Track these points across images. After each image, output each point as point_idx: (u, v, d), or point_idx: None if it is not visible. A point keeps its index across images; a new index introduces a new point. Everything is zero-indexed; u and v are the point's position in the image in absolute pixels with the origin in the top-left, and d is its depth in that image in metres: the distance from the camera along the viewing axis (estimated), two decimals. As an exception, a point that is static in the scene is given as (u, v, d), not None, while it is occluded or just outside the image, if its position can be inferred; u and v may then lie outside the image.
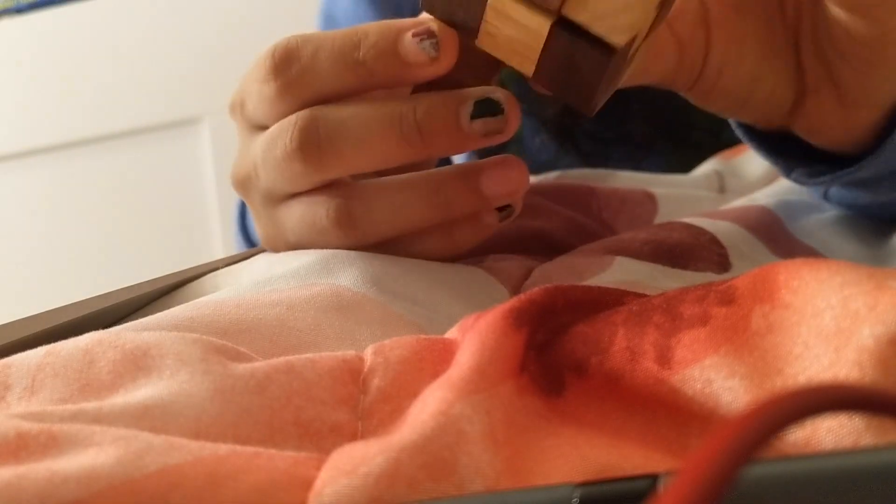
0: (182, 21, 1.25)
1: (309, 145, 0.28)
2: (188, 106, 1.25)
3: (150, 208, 1.27)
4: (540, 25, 0.24)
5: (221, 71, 1.21)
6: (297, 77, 0.29)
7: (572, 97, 0.26)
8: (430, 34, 0.27)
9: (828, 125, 0.31)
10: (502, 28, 0.26)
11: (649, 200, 0.42)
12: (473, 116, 0.28)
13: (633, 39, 0.24)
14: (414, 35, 0.27)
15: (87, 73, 1.26)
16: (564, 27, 0.24)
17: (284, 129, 0.29)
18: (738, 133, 0.35)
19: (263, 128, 0.31)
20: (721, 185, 0.47)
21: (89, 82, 1.26)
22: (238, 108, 0.32)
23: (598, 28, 0.24)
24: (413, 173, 0.30)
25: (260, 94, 0.30)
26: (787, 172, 0.34)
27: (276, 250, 0.33)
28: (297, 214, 0.30)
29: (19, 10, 1.28)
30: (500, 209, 0.31)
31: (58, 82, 1.26)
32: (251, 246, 0.49)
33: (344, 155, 0.28)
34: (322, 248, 0.30)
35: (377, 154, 0.28)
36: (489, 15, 0.25)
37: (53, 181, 1.28)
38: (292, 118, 0.29)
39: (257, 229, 0.34)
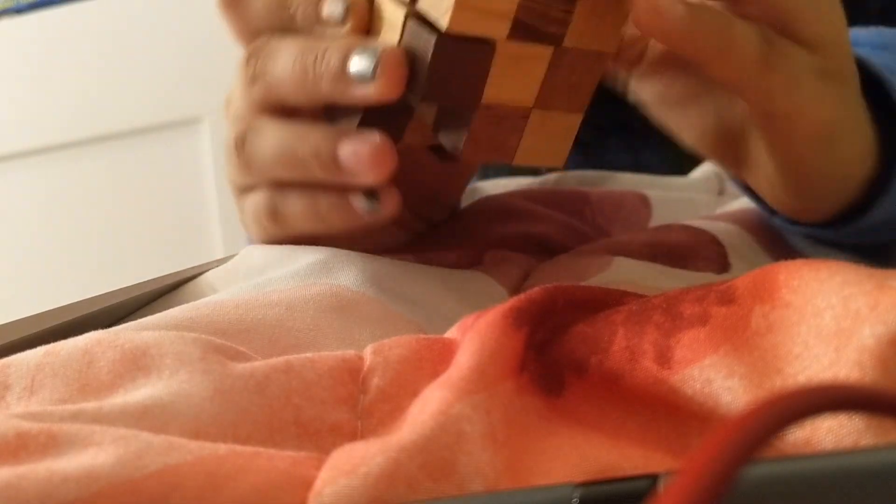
0: (182, 21, 1.24)
1: (239, 147, 0.30)
2: (188, 106, 1.25)
3: (150, 208, 1.27)
4: (398, 18, 0.26)
5: (221, 71, 1.21)
6: (253, 78, 0.30)
7: (454, 101, 0.27)
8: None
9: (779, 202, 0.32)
10: (384, 36, 0.27)
11: (643, 205, 0.42)
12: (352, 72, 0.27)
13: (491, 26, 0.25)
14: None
15: (87, 73, 1.26)
16: (417, 19, 0.25)
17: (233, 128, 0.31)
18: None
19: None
20: (721, 188, 0.47)
21: (89, 82, 1.26)
22: (227, 106, 0.33)
23: (433, 13, 0.25)
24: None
25: (239, 86, 0.31)
26: (769, 216, 0.35)
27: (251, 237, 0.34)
28: (248, 206, 0.32)
29: (19, 11, 1.28)
30: (368, 196, 0.29)
31: (58, 82, 1.26)
32: None
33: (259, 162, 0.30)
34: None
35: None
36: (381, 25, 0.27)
37: (53, 181, 1.28)
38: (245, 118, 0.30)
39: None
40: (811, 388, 0.12)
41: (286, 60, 0.29)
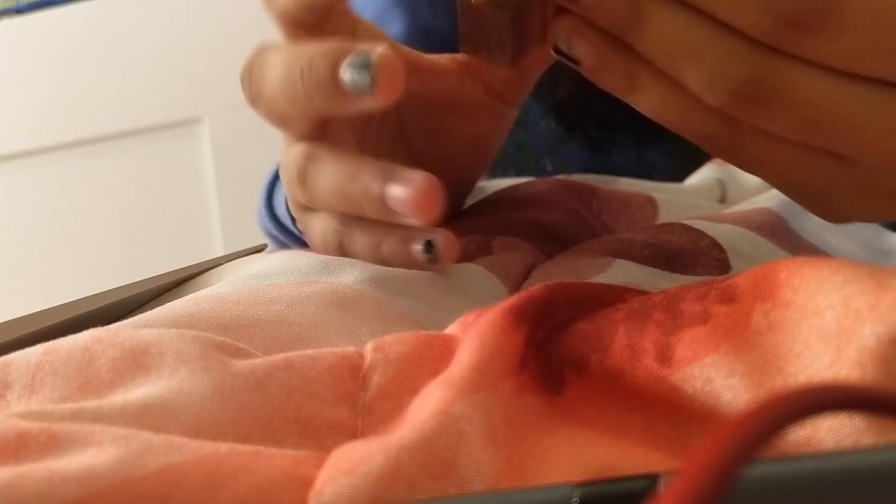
0: (183, 21, 1.24)
1: (302, 178, 0.30)
2: (188, 106, 1.25)
3: (151, 208, 1.27)
4: None
5: (221, 71, 1.21)
6: (254, 99, 0.29)
7: (492, 57, 0.27)
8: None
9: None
10: None
11: (650, 205, 0.42)
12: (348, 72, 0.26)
13: None
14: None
15: (87, 73, 1.26)
16: None
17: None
18: None
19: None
20: (723, 195, 0.47)
21: (89, 82, 1.26)
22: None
23: None
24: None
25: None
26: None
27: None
28: (315, 231, 0.32)
29: (19, 11, 1.28)
30: (426, 246, 0.29)
31: (58, 82, 1.26)
32: (278, 226, 0.50)
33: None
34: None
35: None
36: None
37: (53, 181, 1.28)
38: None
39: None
40: (812, 388, 0.12)
41: (275, 75, 0.27)
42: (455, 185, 0.37)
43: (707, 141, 0.26)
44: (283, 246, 0.51)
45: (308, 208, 0.32)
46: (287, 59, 0.27)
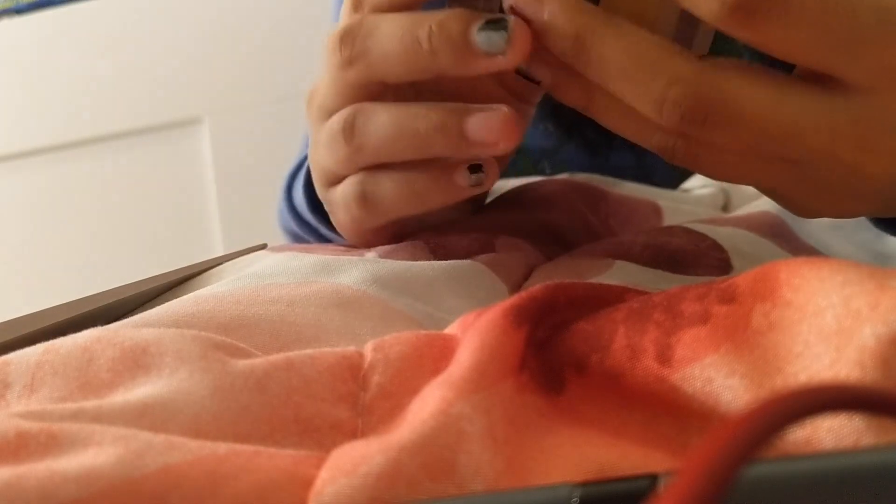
0: (182, 21, 1.24)
1: (348, 131, 0.30)
2: (188, 106, 1.25)
3: (150, 208, 1.27)
4: None
5: (221, 71, 1.21)
6: (352, 59, 0.29)
7: None
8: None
9: None
10: None
11: (655, 214, 0.42)
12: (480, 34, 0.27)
13: None
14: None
15: (87, 73, 1.26)
16: None
17: (337, 115, 0.30)
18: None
19: (331, 114, 0.32)
20: (726, 203, 0.47)
21: (89, 82, 1.26)
22: (311, 99, 0.33)
23: None
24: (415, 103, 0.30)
25: (329, 74, 0.31)
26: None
27: (342, 234, 0.35)
28: (337, 197, 0.32)
29: (19, 11, 1.28)
30: (472, 170, 0.30)
31: (58, 82, 1.26)
32: (296, 217, 0.50)
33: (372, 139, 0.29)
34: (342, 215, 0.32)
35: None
36: None
37: (53, 181, 1.28)
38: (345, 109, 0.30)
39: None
40: (812, 388, 0.12)
41: (391, 35, 0.29)
42: None
43: (665, 153, 0.27)
44: (301, 242, 0.51)
45: (333, 181, 0.32)
46: (408, 22, 0.28)
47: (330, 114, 0.31)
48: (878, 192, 0.26)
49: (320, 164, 0.32)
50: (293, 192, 0.51)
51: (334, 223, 0.35)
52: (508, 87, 0.34)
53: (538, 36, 0.27)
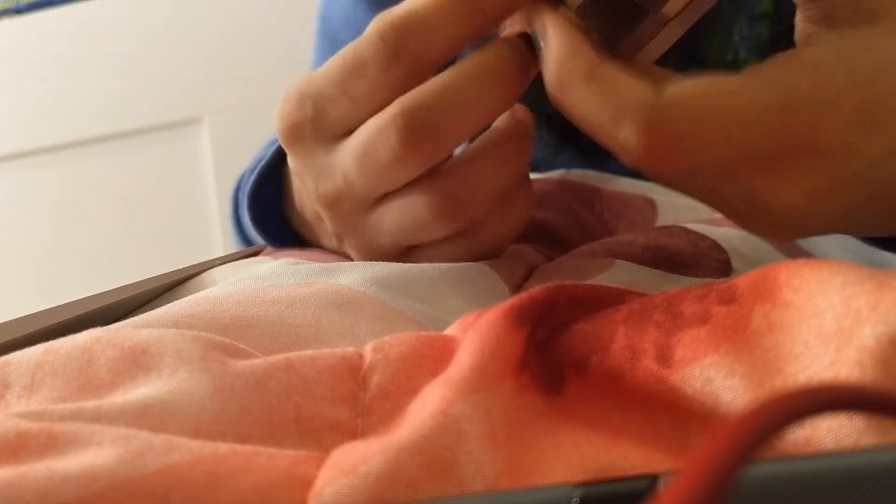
0: (182, 21, 1.24)
1: (414, 140, 0.27)
2: (188, 106, 1.25)
3: (150, 208, 1.27)
4: None
5: (221, 71, 1.21)
6: (411, 38, 0.27)
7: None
8: None
9: None
10: None
11: (650, 207, 0.42)
12: None
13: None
14: None
15: (87, 73, 1.26)
16: None
17: (383, 129, 0.27)
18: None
19: (347, 133, 0.29)
20: None
21: (89, 82, 1.26)
22: (305, 126, 0.30)
23: None
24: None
25: (357, 86, 0.28)
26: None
27: (371, 258, 0.32)
28: (394, 214, 0.30)
29: (19, 11, 1.28)
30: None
31: (58, 82, 1.26)
32: (248, 243, 0.48)
33: (448, 133, 0.28)
34: (424, 241, 0.30)
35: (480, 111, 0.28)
36: None
37: (53, 181, 1.28)
38: (387, 116, 0.27)
39: (344, 243, 0.33)
40: (811, 388, 0.12)
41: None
42: None
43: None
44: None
45: (373, 203, 0.30)
46: None
47: (344, 134, 0.29)
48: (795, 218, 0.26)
49: (357, 189, 0.29)
50: (241, 216, 0.47)
51: (363, 252, 0.32)
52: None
53: None
